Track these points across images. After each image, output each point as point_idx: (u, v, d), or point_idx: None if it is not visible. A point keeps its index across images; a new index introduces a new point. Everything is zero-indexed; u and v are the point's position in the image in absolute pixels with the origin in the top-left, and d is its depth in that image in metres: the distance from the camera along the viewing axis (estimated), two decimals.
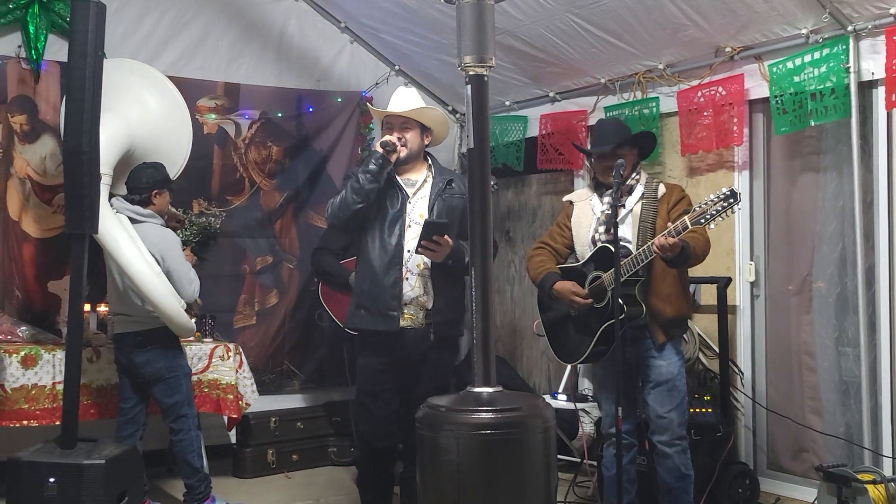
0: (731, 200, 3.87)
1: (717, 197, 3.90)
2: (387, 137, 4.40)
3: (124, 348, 5.00)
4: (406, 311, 4.34)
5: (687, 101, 5.35)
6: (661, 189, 4.33)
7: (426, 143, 4.55)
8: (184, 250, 5.28)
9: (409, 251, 4.35)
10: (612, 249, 4.21)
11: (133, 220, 4.92)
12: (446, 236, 4.24)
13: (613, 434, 4.25)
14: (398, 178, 4.46)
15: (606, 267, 4.26)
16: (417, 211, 4.41)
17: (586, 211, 4.50)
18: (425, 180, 4.50)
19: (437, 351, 4.41)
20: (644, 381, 4.34)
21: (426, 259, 4.33)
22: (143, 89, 5.35)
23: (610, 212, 4.33)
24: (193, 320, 5.07)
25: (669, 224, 4.04)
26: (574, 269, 4.46)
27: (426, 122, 4.52)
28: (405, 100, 4.53)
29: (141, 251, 4.82)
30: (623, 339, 4.11)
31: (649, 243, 4.08)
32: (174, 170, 5.36)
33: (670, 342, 4.30)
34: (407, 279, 4.34)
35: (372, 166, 4.33)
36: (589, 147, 4.49)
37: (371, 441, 4.47)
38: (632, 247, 4.23)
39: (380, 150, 4.36)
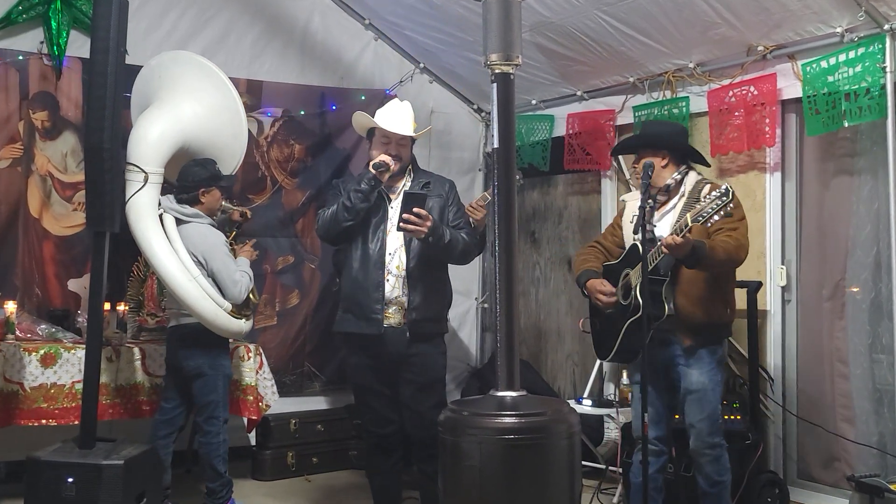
0: (725, 199, 3.91)
1: (715, 195, 3.95)
2: (382, 158, 4.59)
3: (171, 342, 5.11)
4: (387, 310, 4.58)
5: (718, 100, 5.32)
6: (706, 190, 4.34)
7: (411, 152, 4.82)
8: (244, 245, 5.35)
9: (389, 254, 4.61)
10: (640, 248, 4.27)
11: (178, 221, 4.98)
12: (426, 212, 4.47)
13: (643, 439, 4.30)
14: (383, 187, 4.67)
15: (635, 265, 4.34)
16: (397, 216, 4.57)
17: (632, 210, 4.56)
18: (404, 185, 4.73)
19: (420, 347, 4.62)
20: (676, 387, 4.38)
21: (403, 259, 4.57)
22: (197, 83, 5.35)
23: (639, 212, 4.38)
24: (244, 321, 5.06)
25: (685, 219, 4.04)
26: (613, 267, 4.57)
27: (418, 136, 4.78)
28: (404, 117, 4.73)
29: (178, 254, 4.86)
30: (650, 341, 4.16)
31: (658, 243, 4.11)
32: (232, 163, 5.40)
33: (701, 349, 4.30)
34: (387, 280, 4.58)
35: (364, 186, 4.57)
36: None
37: (373, 430, 4.80)
38: None
39: (372, 171, 4.56)
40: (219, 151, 5.26)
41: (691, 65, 5.42)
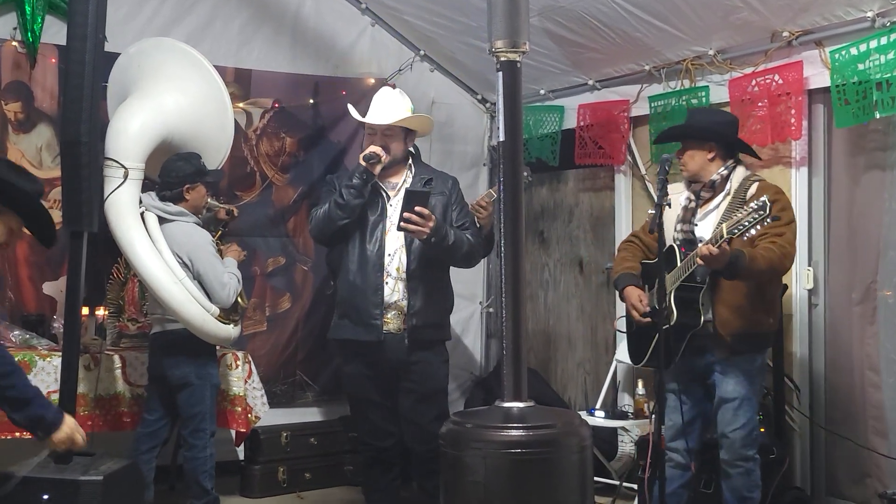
0: (762, 212, 3.92)
1: (753, 206, 3.95)
2: (371, 149, 4.67)
3: (155, 350, 5.12)
4: (386, 315, 4.64)
5: (740, 90, 5.32)
6: (753, 189, 4.35)
7: (410, 145, 4.87)
8: (231, 245, 5.34)
9: (389, 255, 4.67)
10: (676, 249, 4.37)
11: (161, 220, 4.99)
12: (429, 211, 4.52)
13: (670, 450, 4.41)
14: (380, 182, 4.75)
15: (671, 268, 4.37)
16: (397, 215, 4.61)
17: (676, 205, 4.58)
18: (404, 182, 4.79)
19: (421, 354, 4.68)
20: (712, 396, 4.44)
21: (403, 260, 4.61)
22: (181, 71, 5.36)
23: (688, 205, 4.48)
24: (232, 326, 5.08)
25: (721, 229, 4.04)
26: (651, 266, 4.61)
27: (410, 127, 4.82)
28: (389, 107, 4.77)
29: (161, 255, 4.88)
30: (686, 349, 4.28)
31: (695, 251, 4.12)
32: (218, 157, 5.41)
33: (739, 359, 4.33)
34: (386, 283, 4.65)
35: (356, 181, 4.63)
36: None
37: (372, 442, 4.87)
38: None
39: (363, 163, 4.62)
40: (203, 145, 5.28)
41: (711, 52, 5.42)
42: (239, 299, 5.14)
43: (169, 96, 5.22)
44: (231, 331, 5.08)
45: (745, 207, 4.01)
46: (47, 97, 5.76)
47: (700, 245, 4.14)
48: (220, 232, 5.41)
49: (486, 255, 5.15)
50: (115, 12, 5.34)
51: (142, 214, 4.97)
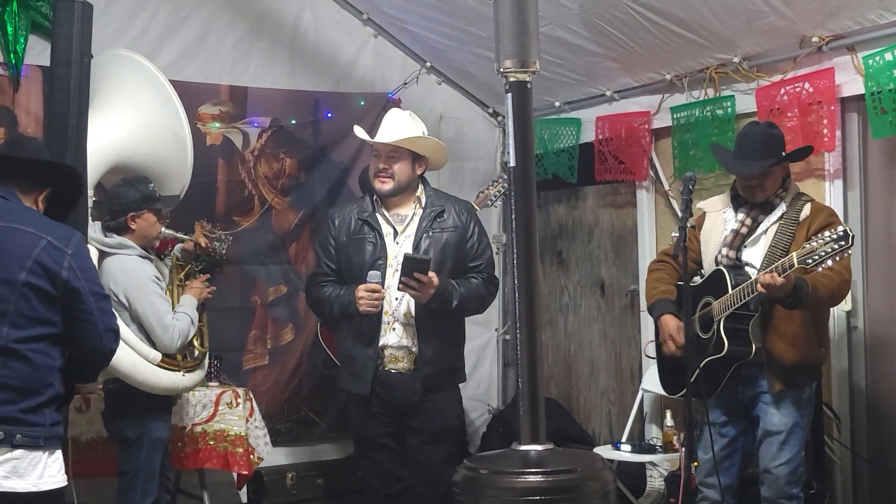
0: (843, 243, 3.88)
1: (830, 237, 3.90)
2: (372, 304, 4.51)
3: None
4: (389, 354, 4.58)
5: (768, 99, 5.32)
6: (806, 210, 4.35)
7: (420, 171, 4.78)
8: (195, 280, 5.15)
9: (396, 298, 4.58)
10: (726, 274, 4.33)
11: (102, 254, 4.81)
12: (430, 274, 4.45)
13: (704, 486, 4.44)
14: (386, 213, 4.71)
15: (719, 293, 4.34)
16: (405, 251, 4.60)
17: (718, 224, 4.57)
18: (414, 214, 4.72)
19: (432, 394, 4.64)
20: (755, 428, 4.42)
21: (412, 306, 4.56)
22: (135, 87, 5.23)
23: (740, 230, 4.44)
24: (182, 374, 4.86)
25: (790, 259, 4.03)
26: (692, 289, 4.55)
27: (418, 150, 4.73)
28: (396, 126, 4.72)
29: None
30: (729, 378, 4.30)
31: (753, 278, 4.11)
32: (181, 182, 5.29)
33: (791, 392, 4.32)
34: (394, 329, 4.59)
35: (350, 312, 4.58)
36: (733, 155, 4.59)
37: (380, 488, 4.80)
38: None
39: (368, 308, 4.51)
40: (164, 170, 5.18)
41: (736, 59, 5.42)
42: (194, 343, 4.97)
43: (121, 115, 5.09)
44: (179, 379, 4.85)
45: (819, 236, 3.95)
46: (32, 122, 5.75)
47: (763, 273, 4.10)
48: (188, 267, 5.27)
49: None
50: (103, 28, 5.34)
51: None
